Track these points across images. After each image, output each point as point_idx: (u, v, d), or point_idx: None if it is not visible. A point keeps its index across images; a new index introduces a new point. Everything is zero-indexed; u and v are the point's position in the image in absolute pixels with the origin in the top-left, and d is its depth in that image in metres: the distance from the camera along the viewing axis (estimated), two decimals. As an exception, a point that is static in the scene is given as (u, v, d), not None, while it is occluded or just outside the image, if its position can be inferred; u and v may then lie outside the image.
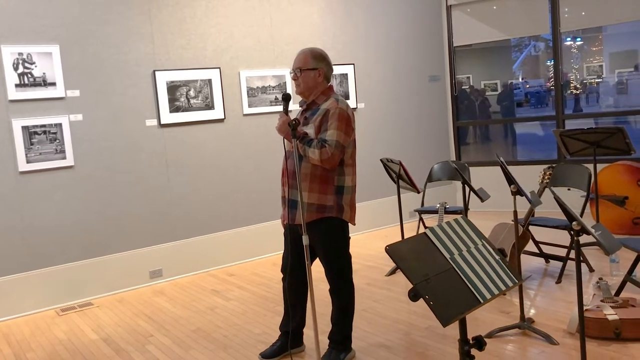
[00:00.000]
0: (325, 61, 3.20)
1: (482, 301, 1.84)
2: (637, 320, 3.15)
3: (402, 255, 1.86)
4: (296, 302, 3.34)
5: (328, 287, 3.27)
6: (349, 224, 3.24)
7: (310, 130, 3.11)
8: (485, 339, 3.38)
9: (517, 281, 1.98)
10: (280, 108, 5.76)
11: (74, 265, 4.82)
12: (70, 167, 4.78)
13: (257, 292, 4.69)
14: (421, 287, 1.77)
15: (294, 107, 5.59)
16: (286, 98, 3.05)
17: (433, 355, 3.27)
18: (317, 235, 3.14)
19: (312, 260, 3.33)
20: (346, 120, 3.08)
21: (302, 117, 3.22)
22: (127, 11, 5.01)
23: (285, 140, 3.17)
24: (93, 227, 4.91)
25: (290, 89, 5.90)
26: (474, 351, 1.97)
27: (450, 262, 1.90)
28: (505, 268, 1.99)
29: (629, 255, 4.17)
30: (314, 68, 3.15)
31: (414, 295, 1.76)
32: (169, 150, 5.25)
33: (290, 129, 2.87)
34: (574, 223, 2.57)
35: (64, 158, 4.74)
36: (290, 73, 3.26)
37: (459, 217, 2.09)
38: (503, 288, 1.92)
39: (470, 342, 1.92)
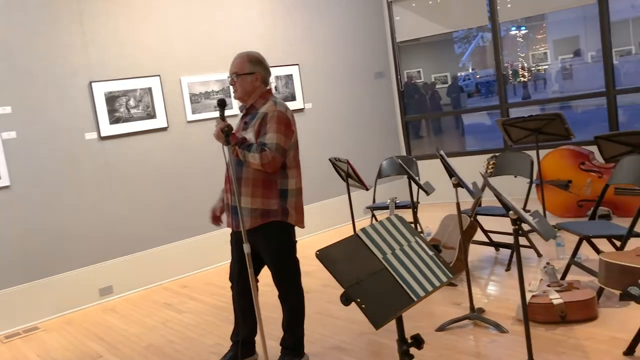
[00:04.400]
0: (262, 65, 3.15)
1: (415, 299, 1.82)
2: (580, 302, 3.21)
3: (333, 259, 1.82)
4: (245, 311, 3.28)
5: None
6: (296, 227, 3.19)
7: (250, 135, 3.05)
8: (437, 332, 3.40)
9: (451, 275, 1.97)
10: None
11: (17, 289, 4.62)
12: (6, 187, 4.59)
13: (211, 302, 4.60)
14: (353, 291, 1.73)
15: (233, 112, 5.52)
16: (221, 104, 2.97)
17: (388, 353, 3.26)
18: (263, 240, 3.08)
19: (260, 267, 3.28)
20: (285, 122, 3.04)
21: (242, 122, 3.17)
22: (57, 22, 4.84)
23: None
24: (35, 248, 4.72)
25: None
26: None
27: (383, 262, 1.88)
28: (440, 264, 1.98)
29: (574, 238, 4.26)
30: (250, 72, 3.09)
31: (345, 300, 1.73)
32: (111, 163, 5.10)
33: (224, 135, 2.81)
34: (510, 212, 2.59)
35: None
36: (228, 78, 3.20)
37: (391, 215, 2.07)
38: (437, 284, 1.91)
39: (409, 341, 1.90)
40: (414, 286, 1.85)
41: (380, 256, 1.89)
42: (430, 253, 2.00)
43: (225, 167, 3.24)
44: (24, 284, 4.66)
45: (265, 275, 3.27)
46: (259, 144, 2.97)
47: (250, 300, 3.27)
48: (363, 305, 1.71)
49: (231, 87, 3.17)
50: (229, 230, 3.31)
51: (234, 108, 5.62)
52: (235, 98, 3.18)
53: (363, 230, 1.95)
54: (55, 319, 4.75)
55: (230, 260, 3.37)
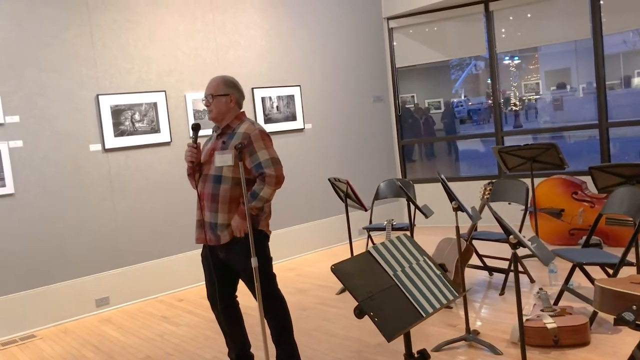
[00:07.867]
0: (236, 87, 3.28)
1: (424, 315, 1.90)
2: (573, 327, 3.30)
3: (347, 273, 1.91)
4: (234, 327, 3.31)
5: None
6: (269, 237, 3.21)
7: (228, 155, 3.12)
8: (433, 352, 3.47)
9: (457, 294, 2.06)
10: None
11: (15, 296, 4.65)
12: (10, 195, 4.64)
13: (208, 317, 4.64)
14: (365, 304, 1.82)
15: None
16: (195, 128, 3.14)
17: (383, 371, 3.32)
18: (237, 254, 3.12)
19: (234, 285, 3.29)
20: (268, 136, 3.19)
21: (220, 142, 3.25)
22: (67, 35, 4.94)
23: (203, 164, 3.21)
24: (35, 256, 4.75)
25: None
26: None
27: (394, 278, 1.96)
28: (446, 282, 2.07)
29: (567, 265, 4.36)
30: (225, 94, 3.22)
31: (359, 313, 1.81)
32: (113, 175, 5.17)
33: (238, 152, 2.92)
34: (510, 237, 2.69)
35: (4, 186, 4.60)
36: (203, 100, 3.31)
37: (401, 234, 2.16)
38: (444, 302, 2.00)
39: (415, 355, 1.98)
40: (423, 302, 1.94)
41: (391, 273, 1.98)
42: (437, 272, 2.09)
43: (200, 184, 3.28)
44: (21, 292, 4.68)
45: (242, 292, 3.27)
46: (257, 176, 3.06)
47: (235, 316, 3.32)
48: (376, 319, 1.79)
49: (206, 107, 3.28)
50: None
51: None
52: (210, 119, 3.30)
53: (375, 247, 2.04)
54: (52, 328, 4.76)
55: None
